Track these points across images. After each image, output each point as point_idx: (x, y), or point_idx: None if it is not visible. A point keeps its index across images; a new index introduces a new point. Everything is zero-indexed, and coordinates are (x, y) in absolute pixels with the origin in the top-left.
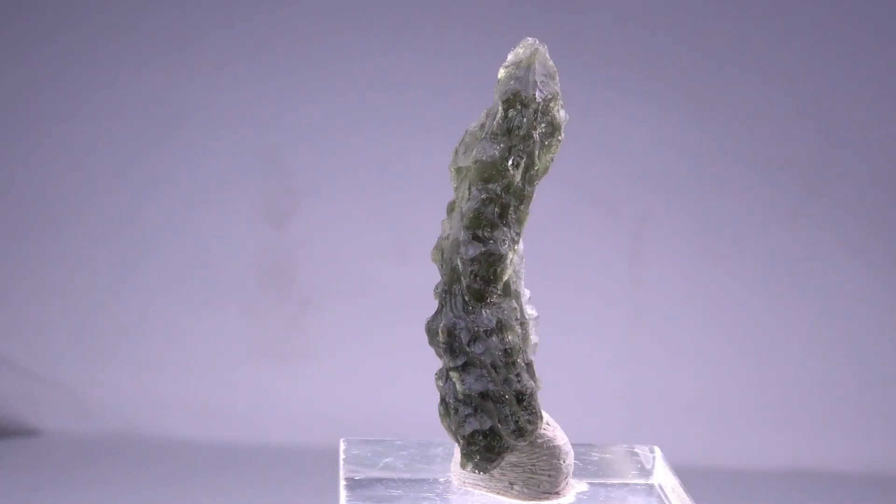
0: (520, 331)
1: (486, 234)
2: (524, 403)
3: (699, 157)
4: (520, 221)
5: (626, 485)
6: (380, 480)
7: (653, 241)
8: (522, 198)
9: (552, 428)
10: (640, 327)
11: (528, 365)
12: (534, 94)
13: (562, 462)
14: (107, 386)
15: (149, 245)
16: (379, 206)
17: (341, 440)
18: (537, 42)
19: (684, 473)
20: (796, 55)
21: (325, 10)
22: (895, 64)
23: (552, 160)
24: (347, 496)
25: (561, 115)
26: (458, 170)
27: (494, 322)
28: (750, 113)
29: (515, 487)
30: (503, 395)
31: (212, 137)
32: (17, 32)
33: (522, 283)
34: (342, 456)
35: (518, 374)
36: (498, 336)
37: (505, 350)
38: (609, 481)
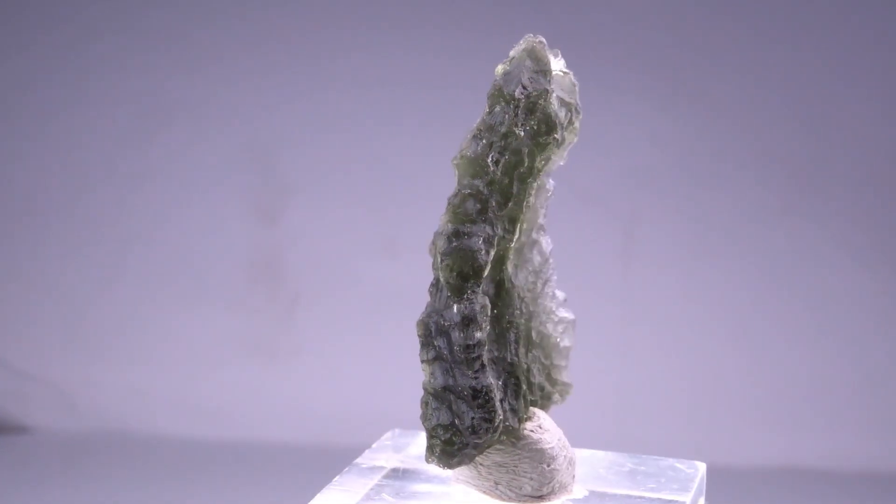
0: (487, 327)
1: (465, 229)
2: (479, 401)
3: (691, 155)
4: (513, 219)
5: (631, 497)
6: (381, 469)
7: (645, 239)
8: (509, 195)
9: (543, 431)
10: (632, 325)
11: (513, 365)
12: (514, 91)
13: (546, 466)
14: (97, 384)
15: (139, 243)
16: (369, 203)
17: (389, 431)
18: (537, 38)
19: None
20: (788, 54)
21: (316, 8)
22: (886, 62)
23: (549, 159)
24: (338, 480)
25: (561, 114)
26: (458, 165)
27: (459, 318)
28: (742, 111)
29: (500, 487)
30: (462, 391)
31: (202, 135)
32: (5, 30)
33: (552, 284)
34: (373, 445)
35: (477, 372)
36: (462, 331)
37: (467, 346)
38: (615, 491)
